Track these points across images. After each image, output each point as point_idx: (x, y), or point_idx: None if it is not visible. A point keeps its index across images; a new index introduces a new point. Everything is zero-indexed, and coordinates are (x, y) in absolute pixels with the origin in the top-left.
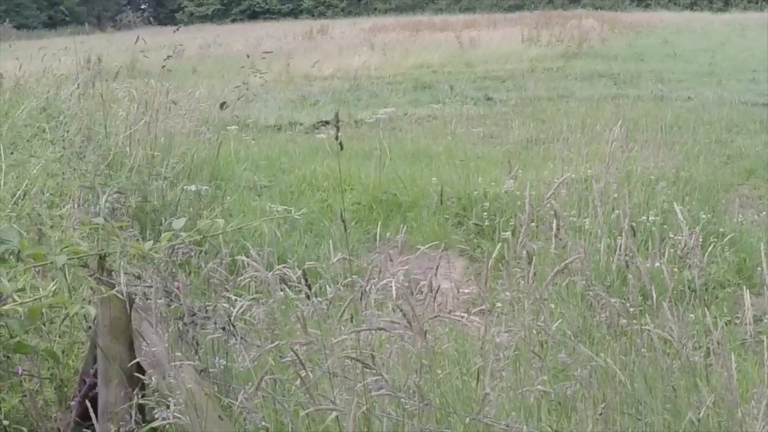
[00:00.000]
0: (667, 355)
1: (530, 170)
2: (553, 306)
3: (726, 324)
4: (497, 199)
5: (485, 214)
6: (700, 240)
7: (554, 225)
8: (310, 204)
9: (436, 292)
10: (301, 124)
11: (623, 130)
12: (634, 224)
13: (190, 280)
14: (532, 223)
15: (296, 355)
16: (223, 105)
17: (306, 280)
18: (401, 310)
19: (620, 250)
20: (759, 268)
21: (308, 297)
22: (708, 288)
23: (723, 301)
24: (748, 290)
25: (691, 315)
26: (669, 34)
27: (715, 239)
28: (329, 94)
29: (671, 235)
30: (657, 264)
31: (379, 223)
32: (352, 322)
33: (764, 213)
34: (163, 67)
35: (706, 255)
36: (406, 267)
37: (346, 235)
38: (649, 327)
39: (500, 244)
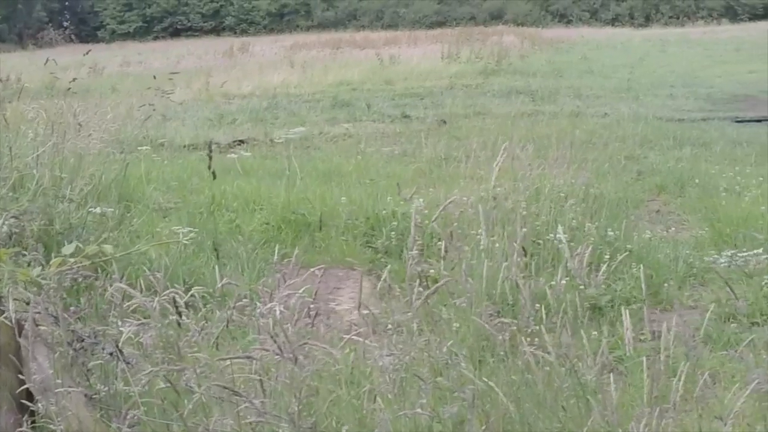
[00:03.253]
0: (558, 375)
1: (441, 188)
2: (456, 326)
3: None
4: (406, 219)
5: (393, 233)
6: (607, 257)
7: (443, 246)
8: (219, 225)
9: (316, 316)
10: (216, 143)
11: (533, 148)
12: (540, 242)
13: (91, 304)
14: (439, 242)
15: (170, 382)
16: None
17: (176, 307)
18: (272, 337)
19: (512, 270)
20: (666, 285)
21: (179, 324)
22: (614, 305)
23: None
24: (627, 311)
25: (594, 332)
26: (589, 50)
27: (623, 255)
28: (247, 113)
29: (586, 253)
30: (563, 282)
31: (265, 245)
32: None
33: (673, 229)
34: (69, 89)
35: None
36: (296, 291)
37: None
38: (526, 348)
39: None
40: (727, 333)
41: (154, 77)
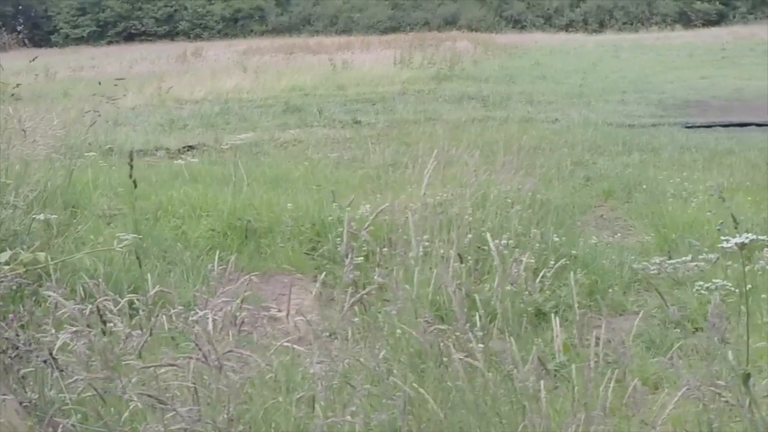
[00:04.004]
0: (493, 381)
1: (388, 194)
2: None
3: (573, 347)
4: (365, 224)
5: (338, 239)
6: (552, 262)
7: (378, 254)
8: (165, 231)
9: (254, 323)
10: (166, 149)
11: (481, 153)
12: (485, 248)
13: (30, 311)
14: (385, 249)
15: (95, 390)
16: None
17: (100, 316)
18: (197, 345)
19: (447, 276)
20: (610, 290)
21: (103, 333)
22: (558, 311)
23: (572, 324)
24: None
25: (539, 339)
26: (542, 55)
27: (567, 262)
28: (199, 118)
29: (523, 259)
30: (501, 288)
31: (210, 251)
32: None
33: (619, 234)
34: (12, 95)
35: (538, 278)
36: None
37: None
38: (456, 355)
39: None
40: (670, 338)
41: (99, 83)
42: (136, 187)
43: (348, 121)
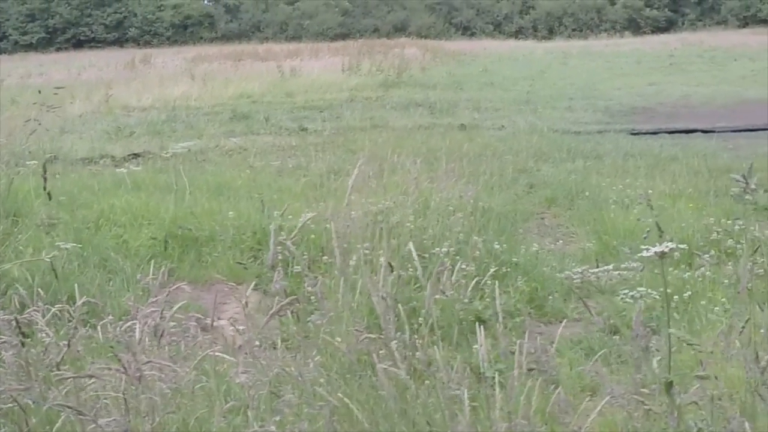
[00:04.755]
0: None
1: (330, 201)
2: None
3: (511, 353)
4: (293, 233)
5: (279, 247)
6: (492, 270)
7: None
8: (106, 240)
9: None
10: (112, 157)
11: (425, 161)
12: (426, 256)
13: None
14: (324, 257)
15: (17, 401)
16: None
17: (19, 327)
18: (116, 355)
19: (381, 286)
20: (551, 297)
21: (22, 344)
22: (498, 318)
23: (512, 331)
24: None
25: (476, 347)
26: (491, 62)
27: (509, 269)
28: (145, 126)
29: (464, 266)
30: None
31: (151, 260)
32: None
33: (561, 241)
34: None
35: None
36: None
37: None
38: (380, 365)
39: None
40: (609, 345)
41: (39, 92)
42: (50, 198)
43: (294, 128)
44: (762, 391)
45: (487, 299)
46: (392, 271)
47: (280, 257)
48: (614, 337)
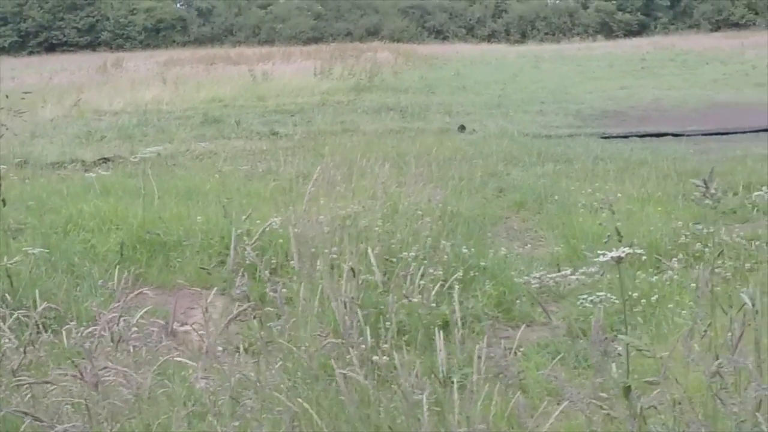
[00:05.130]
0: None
1: (299, 206)
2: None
3: (479, 358)
4: (261, 237)
5: (247, 252)
6: (460, 274)
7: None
8: (74, 244)
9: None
10: (82, 161)
11: (395, 165)
12: (394, 260)
13: None
14: (292, 262)
15: None
16: None
17: None
18: (72, 361)
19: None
20: (518, 301)
21: None
22: (466, 322)
23: (479, 335)
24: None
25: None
26: (463, 66)
27: (476, 273)
28: (117, 130)
29: (431, 271)
30: (410, 300)
31: (119, 265)
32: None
33: (529, 245)
34: None
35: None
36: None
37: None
38: (340, 370)
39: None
40: (575, 349)
41: (7, 96)
42: (5, 205)
43: (266, 132)
44: (722, 395)
45: (454, 303)
46: (354, 276)
47: (248, 262)
48: (581, 340)
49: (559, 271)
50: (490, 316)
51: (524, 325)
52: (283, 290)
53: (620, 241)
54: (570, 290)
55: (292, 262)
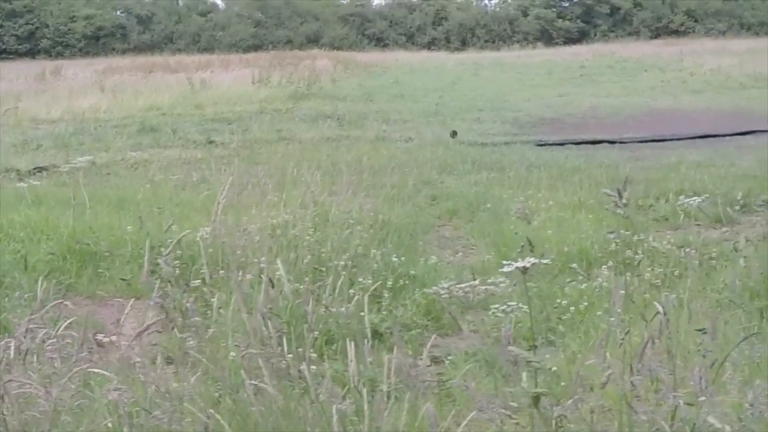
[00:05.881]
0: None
1: (230, 215)
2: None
3: (411, 366)
4: (191, 247)
5: (177, 262)
6: (390, 283)
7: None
8: (4, 254)
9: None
10: (17, 170)
11: (328, 173)
12: (324, 269)
13: None
14: (221, 271)
15: None
16: None
17: None
18: None
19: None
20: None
21: None
22: (394, 331)
23: (408, 344)
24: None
25: (370, 359)
26: (402, 74)
27: (407, 282)
28: (53, 138)
29: (361, 279)
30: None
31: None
32: None
33: (461, 253)
34: None
35: (354, 301)
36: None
37: None
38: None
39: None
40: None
41: None
42: None
43: (202, 141)
44: (634, 403)
45: (384, 312)
46: (273, 287)
47: (178, 271)
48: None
49: (474, 279)
50: (419, 324)
51: (432, 334)
52: (213, 300)
53: (532, 251)
54: (497, 299)
55: (222, 272)
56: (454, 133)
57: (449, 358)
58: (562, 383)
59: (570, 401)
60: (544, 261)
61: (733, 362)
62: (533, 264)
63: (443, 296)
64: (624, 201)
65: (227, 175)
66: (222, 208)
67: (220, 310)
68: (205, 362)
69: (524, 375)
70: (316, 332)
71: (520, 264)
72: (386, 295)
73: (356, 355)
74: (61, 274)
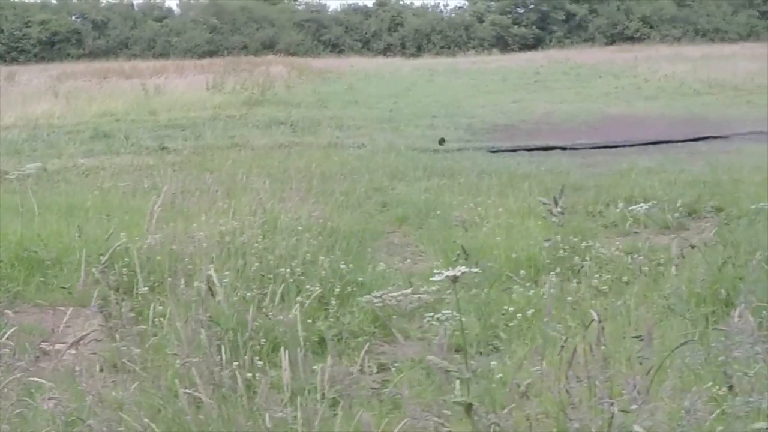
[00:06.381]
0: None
1: (180, 222)
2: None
3: (359, 372)
4: (139, 255)
5: (125, 269)
6: (338, 290)
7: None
8: None
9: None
10: None
11: (279, 180)
12: (272, 276)
13: None
14: (169, 278)
15: None
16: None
17: None
18: None
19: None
20: (395, 317)
21: None
22: (341, 338)
23: (355, 351)
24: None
25: (316, 366)
26: (357, 80)
27: (354, 289)
28: (5, 145)
29: (308, 287)
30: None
31: None
32: None
33: (409, 260)
34: None
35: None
36: None
37: None
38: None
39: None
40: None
41: None
42: None
43: (155, 147)
44: (570, 411)
45: (331, 319)
46: (213, 295)
47: (126, 279)
48: (455, 355)
49: (411, 287)
50: (366, 332)
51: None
52: (159, 308)
53: (466, 259)
54: (443, 306)
55: (170, 279)
56: (442, 141)
57: (396, 365)
58: (507, 390)
59: (505, 410)
60: (474, 270)
61: (678, 369)
62: (464, 273)
63: (376, 305)
64: (559, 209)
65: (177, 182)
66: (164, 216)
67: (161, 319)
68: (141, 372)
69: (457, 384)
70: (263, 340)
71: (449, 273)
72: (333, 302)
73: (291, 363)
74: (9, 282)
